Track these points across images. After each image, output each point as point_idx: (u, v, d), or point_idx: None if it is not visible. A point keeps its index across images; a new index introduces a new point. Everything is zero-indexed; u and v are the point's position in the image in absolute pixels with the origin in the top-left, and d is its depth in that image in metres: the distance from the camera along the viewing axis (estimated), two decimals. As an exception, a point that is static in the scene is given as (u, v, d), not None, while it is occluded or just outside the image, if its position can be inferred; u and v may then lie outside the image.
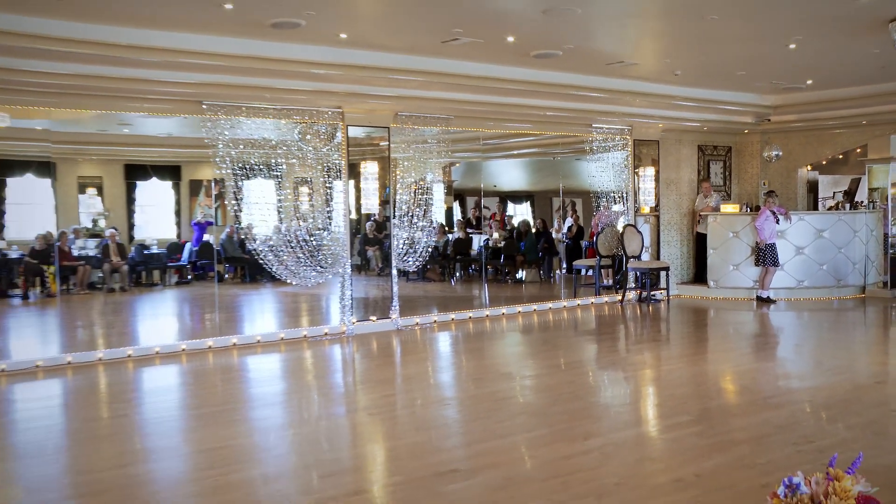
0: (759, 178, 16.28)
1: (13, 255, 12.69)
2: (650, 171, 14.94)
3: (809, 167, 17.03)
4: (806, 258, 14.19)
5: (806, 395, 7.62)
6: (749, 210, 14.96)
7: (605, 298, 14.47)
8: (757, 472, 5.27)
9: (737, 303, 13.96)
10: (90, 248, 13.65)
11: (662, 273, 14.49)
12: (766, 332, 11.85)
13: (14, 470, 5.94)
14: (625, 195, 14.70)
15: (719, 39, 10.04)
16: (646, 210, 14.95)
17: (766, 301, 13.75)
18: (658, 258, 15.02)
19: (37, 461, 6.06)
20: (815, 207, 18.64)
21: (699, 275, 15.35)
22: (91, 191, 14.41)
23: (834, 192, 21.05)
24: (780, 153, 15.55)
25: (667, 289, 14.49)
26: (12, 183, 13.14)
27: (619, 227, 14.50)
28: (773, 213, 13.70)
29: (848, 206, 18.68)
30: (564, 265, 16.06)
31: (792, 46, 10.43)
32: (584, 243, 15.45)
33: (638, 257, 14.39)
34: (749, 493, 4.86)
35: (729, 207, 14.96)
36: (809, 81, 13.37)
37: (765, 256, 13.73)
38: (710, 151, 16.19)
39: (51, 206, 11.36)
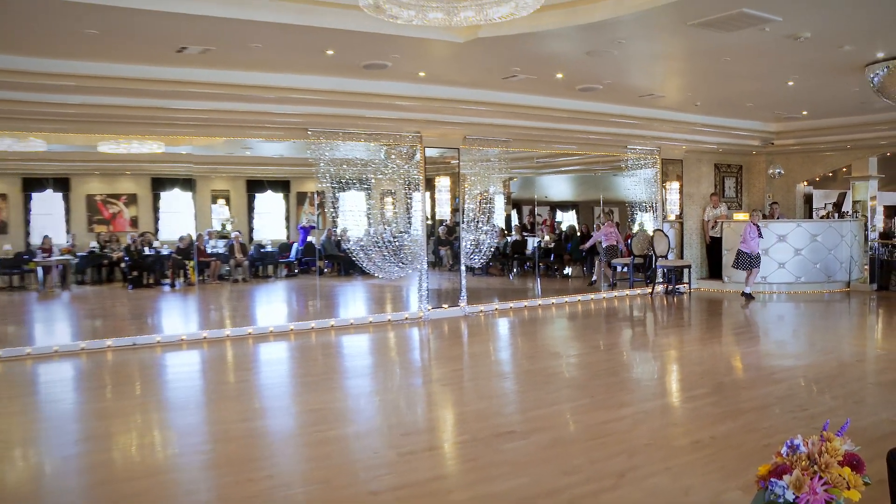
0: (765, 192, 15.94)
1: (164, 252, 13.18)
2: (675, 185, 14.75)
3: (805, 183, 16.75)
4: (803, 258, 13.83)
5: (801, 371, 7.49)
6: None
7: (638, 291, 14.31)
8: (761, 435, 5.23)
9: (748, 295, 13.67)
10: (220, 246, 13.97)
11: (685, 270, 14.26)
12: (769, 320, 11.57)
13: (168, 419, 6.22)
14: (654, 205, 14.54)
15: (732, 77, 9.89)
16: (671, 218, 14.78)
17: (749, 297, 13.13)
18: (682, 258, 14.79)
19: (183, 413, 6.35)
20: (810, 216, 18.29)
21: (713, 272, 15.07)
22: (221, 201, 14.77)
23: (825, 204, 20.61)
24: (782, 171, 15.39)
25: (689, 283, 14.25)
26: (164, 196, 13.70)
27: (650, 232, 14.36)
28: (757, 227, 13.11)
29: (836, 215, 18.32)
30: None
31: (790, 83, 10.35)
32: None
33: (665, 257, 14.19)
34: (754, 452, 4.82)
35: (740, 216, 14.71)
36: (805, 112, 13.21)
37: (740, 261, 13.18)
38: (725, 169, 15.90)
39: (191, 214, 11.67)
